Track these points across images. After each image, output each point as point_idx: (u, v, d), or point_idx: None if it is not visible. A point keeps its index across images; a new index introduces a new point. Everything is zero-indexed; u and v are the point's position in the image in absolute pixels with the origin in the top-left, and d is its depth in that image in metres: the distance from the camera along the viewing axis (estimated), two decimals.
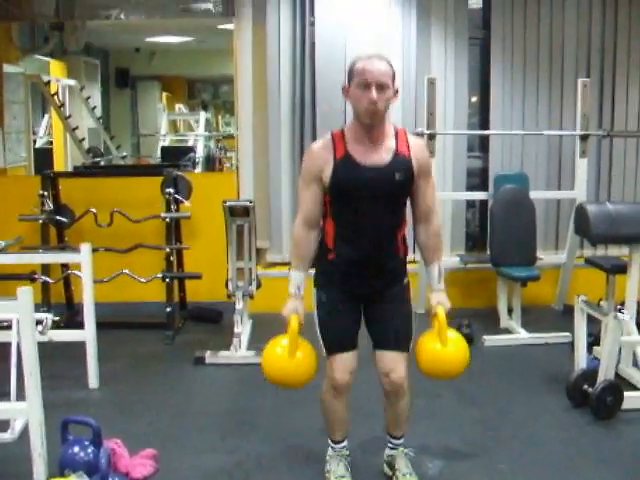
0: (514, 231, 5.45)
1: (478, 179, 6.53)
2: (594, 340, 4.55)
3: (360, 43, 5.96)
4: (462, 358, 3.01)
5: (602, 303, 4.75)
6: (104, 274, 5.28)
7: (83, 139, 8.42)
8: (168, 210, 5.53)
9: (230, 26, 6.25)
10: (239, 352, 4.91)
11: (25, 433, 3.29)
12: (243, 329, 5.12)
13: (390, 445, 3.25)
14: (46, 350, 3.49)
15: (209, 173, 9.56)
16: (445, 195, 6.06)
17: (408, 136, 2.95)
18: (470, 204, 6.64)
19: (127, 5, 6.06)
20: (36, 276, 5.39)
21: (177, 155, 9.47)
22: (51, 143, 8.50)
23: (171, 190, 5.54)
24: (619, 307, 4.05)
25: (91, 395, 4.33)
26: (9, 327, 3.49)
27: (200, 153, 10.67)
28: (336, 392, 3.02)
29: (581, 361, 4.22)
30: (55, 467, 3.19)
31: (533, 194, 5.68)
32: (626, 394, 3.91)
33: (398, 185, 2.90)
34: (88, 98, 8.89)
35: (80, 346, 4.36)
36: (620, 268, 4.73)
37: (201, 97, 13.49)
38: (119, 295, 5.70)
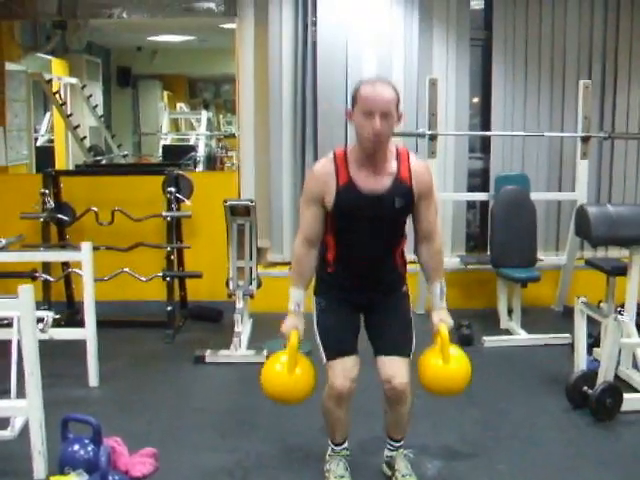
0: (514, 232, 5.46)
1: (479, 180, 6.53)
2: (594, 342, 4.56)
3: (362, 43, 5.98)
4: (464, 375, 3.02)
5: (602, 305, 4.75)
6: (105, 272, 5.28)
7: (84, 137, 8.42)
8: (169, 209, 5.54)
9: (232, 25, 6.25)
10: (239, 351, 4.92)
11: (25, 431, 3.31)
12: (243, 328, 5.13)
13: (390, 447, 3.25)
14: (46, 348, 3.50)
15: (210, 172, 9.55)
16: (446, 196, 6.06)
17: (410, 158, 2.94)
18: (471, 205, 6.64)
19: (129, 4, 6.06)
20: (37, 274, 5.39)
21: (178, 154, 9.47)
22: (52, 141, 8.50)
23: (172, 189, 5.55)
24: (619, 309, 4.05)
25: (91, 393, 4.33)
26: (10, 325, 3.49)
27: (201, 152, 10.67)
28: (337, 400, 2.99)
29: (581, 362, 4.22)
30: (55, 465, 3.20)
31: (534, 195, 5.69)
32: (625, 396, 3.91)
33: (398, 211, 2.93)
34: (90, 96, 8.89)
35: (80, 344, 4.36)
36: (620, 270, 4.74)
37: (203, 96, 13.47)
38: (120, 294, 5.70)
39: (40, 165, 7.09)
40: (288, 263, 6.12)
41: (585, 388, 3.98)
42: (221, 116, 13.33)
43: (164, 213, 5.51)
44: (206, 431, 3.80)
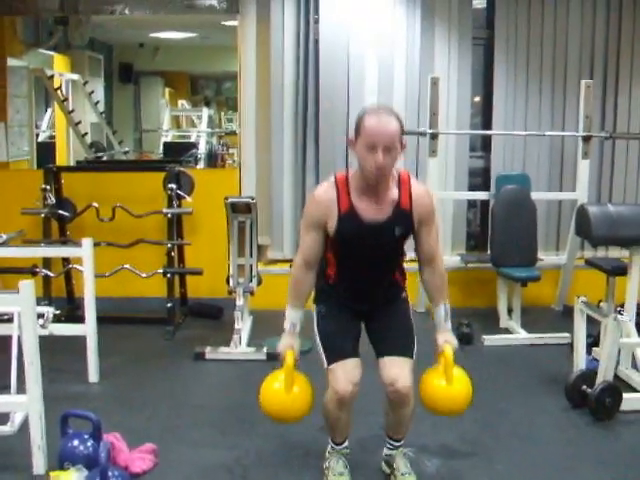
0: (515, 231, 5.46)
1: (480, 179, 6.53)
2: (593, 341, 4.56)
3: (364, 42, 5.98)
4: (466, 396, 3.03)
5: (602, 304, 4.75)
6: (105, 269, 5.29)
7: (86, 134, 8.42)
8: (170, 206, 5.54)
9: (234, 23, 6.25)
10: (239, 348, 4.93)
11: (25, 426, 3.31)
12: (243, 325, 5.13)
13: (389, 446, 3.25)
14: (47, 344, 3.51)
15: (211, 169, 9.55)
16: (447, 195, 6.07)
17: (412, 184, 2.93)
18: (471, 204, 6.65)
19: (131, 0, 6.06)
20: (37, 270, 5.40)
21: (179, 151, 9.48)
22: (53, 137, 8.50)
23: (173, 186, 5.55)
24: (619, 309, 4.06)
25: (91, 389, 4.34)
26: (10, 320, 3.49)
27: (202, 149, 10.66)
28: (339, 403, 2.97)
29: (580, 362, 4.23)
30: (55, 460, 3.21)
31: (534, 195, 5.69)
32: (625, 395, 3.92)
33: (398, 239, 2.96)
34: (91, 93, 8.89)
35: (80, 340, 4.37)
36: (620, 270, 4.74)
37: (204, 93, 13.46)
38: (120, 290, 5.71)
39: (41, 161, 7.10)
40: (288, 260, 6.13)
41: (584, 387, 3.98)
42: (222, 113, 13.32)
43: (165, 210, 5.52)
44: (206, 428, 3.80)
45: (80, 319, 4.50)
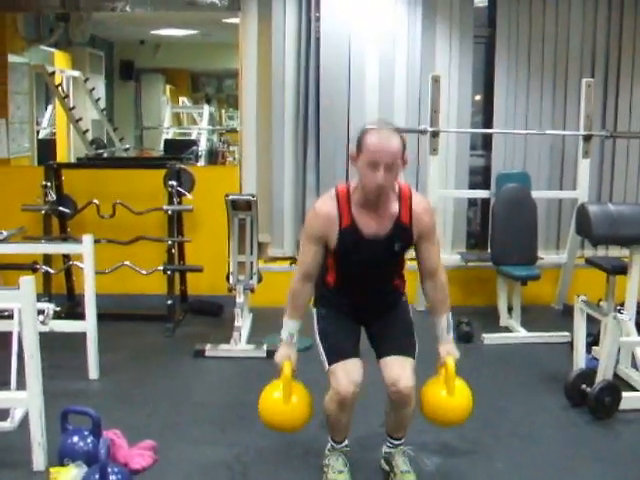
0: (515, 230, 5.46)
1: (480, 177, 6.53)
2: (593, 340, 4.56)
3: (365, 40, 5.98)
4: (466, 408, 3.05)
5: (602, 303, 4.76)
6: (105, 265, 5.29)
7: (86, 130, 8.43)
8: (170, 203, 5.54)
9: (235, 20, 6.25)
10: (239, 345, 4.93)
11: (25, 422, 3.32)
12: (243, 323, 5.13)
13: (389, 444, 3.25)
14: (47, 340, 3.52)
15: (212, 167, 9.57)
16: (447, 193, 6.08)
17: (412, 198, 2.94)
18: (472, 202, 6.64)
19: None
20: (38, 266, 5.40)
21: (180, 148, 9.50)
22: (54, 134, 8.51)
23: (174, 183, 5.55)
24: (619, 308, 4.06)
25: (91, 386, 4.34)
26: (10, 316, 3.49)
27: (203, 147, 10.68)
28: (341, 404, 2.97)
29: (580, 361, 4.23)
30: (54, 456, 3.21)
31: (535, 193, 5.69)
32: (624, 394, 3.92)
33: (397, 253, 2.98)
34: (92, 90, 8.90)
35: (81, 337, 4.37)
36: (620, 269, 4.75)
37: (205, 91, 13.48)
38: (120, 287, 5.71)
39: (42, 158, 7.10)
40: (289, 258, 6.16)
41: (584, 386, 3.98)
42: (223, 111, 13.34)
43: (165, 207, 5.52)
44: (205, 425, 3.81)
45: (80, 316, 4.50)
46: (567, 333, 5.04)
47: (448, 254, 6.15)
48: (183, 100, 12.76)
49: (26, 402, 3.25)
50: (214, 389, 4.45)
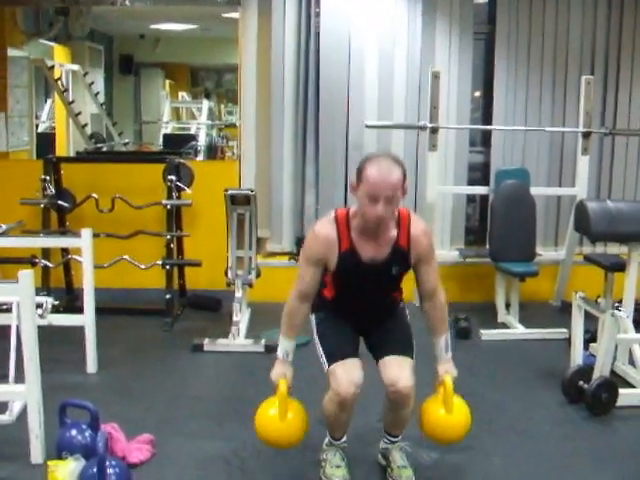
0: (514, 226, 5.46)
1: (479, 174, 6.54)
2: (591, 337, 4.57)
3: (365, 35, 5.98)
4: (465, 425, 3.08)
5: (600, 300, 4.76)
6: (104, 260, 5.29)
7: (86, 125, 8.42)
8: (169, 197, 5.54)
9: (235, 15, 6.24)
10: (237, 340, 4.94)
11: (23, 415, 3.32)
12: (242, 317, 5.13)
13: (386, 440, 3.26)
14: (45, 334, 3.52)
15: (211, 161, 9.54)
16: (446, 189, 6.08)
17: (411, 223, 2.95)
18: (471, 198, 6.65)
19: None
20: (36, 260, 5.40)
21: (179, 143, 9.48)
22: (53, 128, 8.49)
23: (173, 177, 5.55)
24: (617, 305, 4.06)
25: (89, 379, 4.35)
26: (9, 310, 3.49)
27: (202, 141, 10.65)
28: (341, 405, 2.97)
29: (577, 357, 4.24)
30: (53, 450, 3.22)
31: (534, 190, 5.69)
32: (621, 391, 3.93)
33: (395, 277, 3.01)
34: (91, 84, 8.88)
35: (79, 331, 4.38)
36: (619, 266, 4.76)
37: (204, 85, 13.43)
38: (119, 281, 5.71)
39: (41, 152, 7.09)
40: (287, 253, 6.16)
41: (581, 383, 3.99)
42: (222, 105, 13.29)
43: (164, 201, 5.52)
44: (203, 419, 3.81)
45: (79, 310, 4.50)
46: (565, 330, 5.05)
47: (447, 250, 6.17)
48: (182, 95, 12.71)
49: (24, 395, 3.26)
50: (212, 383, 4.46)
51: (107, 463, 2.91)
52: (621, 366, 4.36)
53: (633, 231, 4.21)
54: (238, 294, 5.17)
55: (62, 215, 5.77)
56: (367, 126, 5.71)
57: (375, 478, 3.22)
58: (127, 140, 9.75)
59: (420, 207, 5.92)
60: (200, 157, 9.79)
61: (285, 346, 3.05)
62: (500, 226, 5.51)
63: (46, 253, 5.52)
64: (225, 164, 8.39)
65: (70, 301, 5.62)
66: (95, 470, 2.88)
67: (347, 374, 2.93)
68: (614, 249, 6.02)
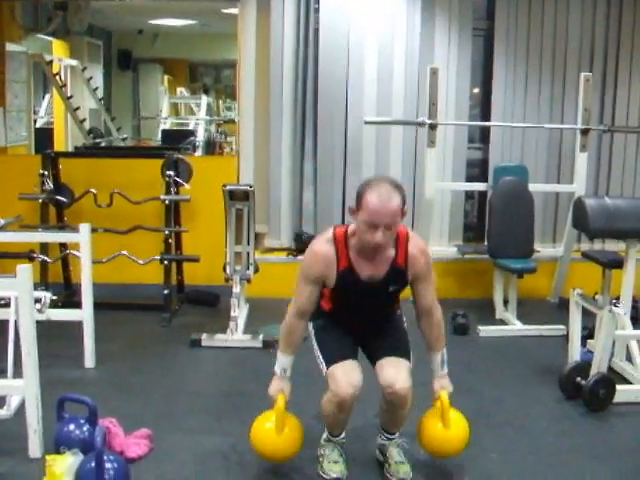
0: (512, 223, 5.47)
1: (478, 170, 6.54)
2: (588, 333, 4.58)
3: (364, 31, 5.97)
4: (462, 439, 3.14)
5: (597, 297, 4.77)
6: (102, 255, 5.29)
7: (84, 120, 8.42)
8: (168, 192, 5.54)
9: (234, 10, 6.24)
10: (235, 335, 4.94)
11: (21, 410, 3.33)
12: (240, 313, 5.13)
13: (383, 437, 3.27)
14: (43, 329, 3.52)
15: (210, 157, 9.55)
16: (444, 185, 6.08)
17: (409, 241, 2.96)
18: (469, 195, 6.66)
19: None
20: (35, 255, 5.39)
21: (178, 138, 9.48)
22: (52, 123, 8.49)
23: (171, 173, 5.54)
24: (614, 301, 4.07)
25: (87, 374, 4.35)
26: (7, 305, 3.49)
27: (201, 137, 10.66)
28: (339, 406, 2.99)
29: (575, 354, 4.25)
30: (51, 444, 3.22)
31: (532, 187, 5.69)
32: (618, 387, 3.94)
33: (392, 293, 3.04)
34: (90, 79, 8.89)
35: (77, 326, 4.37)
36: (616, 263, 4.76)
37: (203, 81, 13.46)
38: (117, 276, 5.71)
39: (39, 147, 7.10)
40: (285, 249, 6.16)
41: (579, 379, 4.00)
42: (221, 101, 13.32)
43: (163, 196, 5.51)
44: (201, 414, 3.82)
45: (77, 305, 4.51)
46: (562, 326, 5.06)
47: (445, 247, 6.18)
48: (181, 90, 12.74)
49: (23, 390, 3.26)
50: (210, 379, 4.47)
51: (105, 458, 2.91)
52: (618, 362, 4.37)
53: (631, 228, 4.22)
54: (236, 289, 5.17)
55: (60, 210, 5.77)
56: (366, 122, 5.71)
57: (373, 474, 3.22)
58: (125, 135, 9.76)
59: (418, 203, 5.93)
60: (198, 152, 9.81)
61: (283, 362, 3.07)
62: (498, 223, 5.51)
63: (44, 248, 5.52)
64: (224, 159, 8.41)
65: (68, 296, 5.62)
66: (93, 465, 2.88)
67: (346, 376, 2.95)
68: (612, 246, 6.04)
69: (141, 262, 5.50)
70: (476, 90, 6.65)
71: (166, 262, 5.50)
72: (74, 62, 8.67)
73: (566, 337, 4.58)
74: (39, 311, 3.78)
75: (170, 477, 3.17)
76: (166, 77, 12.39)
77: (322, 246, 2.95)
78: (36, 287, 3.65)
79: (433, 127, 5.53)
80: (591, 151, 5.98)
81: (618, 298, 4.29)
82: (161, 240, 5.52)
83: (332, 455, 3.17)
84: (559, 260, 5.96)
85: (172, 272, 5.67)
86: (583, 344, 4.43)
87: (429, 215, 5.62)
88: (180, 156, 5.87)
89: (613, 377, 4.02)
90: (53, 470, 2.94)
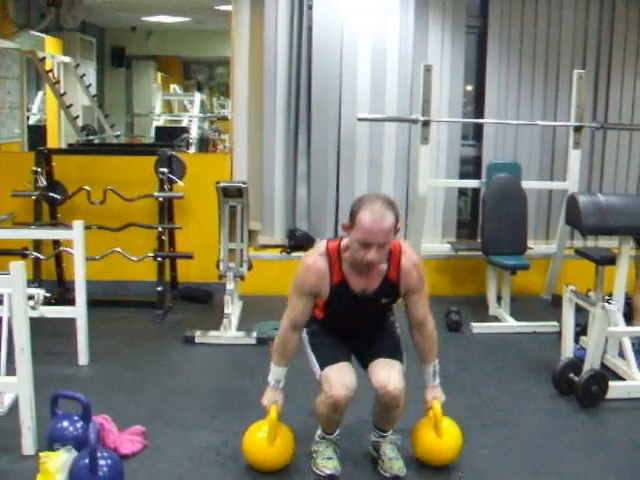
0: (505, 220, 5.47)
1: (471, 167, 6.54)
2: (581, 330, 4.59)
3: (357, 28, 5.97)
4: (455, 447, 3.21)
5: (590, 293, 4.78)
6: (96, 252, 5.28)
7: (77, 117, 8.41)
8: (161, 189, 5.53)
9: (228, 7, 6.23)
10: (229, 332, 4.94)
11: (15, 407, 3.32)
12: (233, 310, 5.13)
13: (376, 434, 3.28)
14: (37, 326, 3.50)
15: (203, 154, 9.54)
16: (438, 182, 6.08)
17: (402, 255, 2.96)
18: (462, 192, 6.66)
19: None
20: (28, 252, 5.38)
21: (171, 135, 9.47)
22: (45, 120, 8.47)
23: (165, 170, 5.53)
24: (607, 298, 4.08)
25: (81, 371, 4.34)
26: (0, 302, 3.49)
27: (194, 134, 10.66)
28: (333, 408, 3.00)
29: (568, 350, 4.26)
30: (44, 441, 3.22)
31: (525, 184, 5.70)
32: (611, 384, 3.95)
33: (384, 305, 3.07)
34: (83, 76, 8.87)
35: (71, 323, 4.37)
36: (609, 259, 4.77)
37: (196, 78, 13.46)
38: (110, 273, 5.71)
39: (32, 144, 7.09)
40: (279, 246, 6.16)
41: (571, 375, 4.01)
42: (214, 99, 13.32)
43: (156, 193, 5.50)
44: (195, 411, 3.82)
45: (70, 302, 4.50)
46: (555, 323, 5.07)
47: (438, 243, 6.19)
48: (174, 87, 12.73)
49: (16, 387, 3.26)
50: (204, 375, 4.47)
51: (99, 454, 2.92)
52: (611, 359, 4.39)
53: (623, 224, 4.22)
54: (230, 286, 5.17)
55: (54, 207, 5.75)
56: (359, 119, 5.71)
57: (366, 470, 3.23)
58: (119, 132, 9.75)
59: (412, 200, 5.93)
60: (192, 150, 9.79)
61: (277, 374, 3.09)
62: (491, 219, 5.51)
63: (37, 245, 5.50)
64: (217, 156, 8.40)
65: (61, 293, 5.61)
66: (87, 461, 2.88)
67: (340, 377, 2.97)
68: (605, 243, 6.05)
69: (134, 259, 5.50)
70: (469, 87, 6.65)
71: (160, 259, 5.50)
72: (67, 59, 8.65)
73: (559, 334, 4.59)
74: (32, 308, 3.78)
75: (164, 474, 3.17)
76: (159, 74, 12.38)
77: (315, 260, 2.96)
78: (29, 284, 3.65)
79: (426, 124, 5.53)
80: (584, 148, 5.98)
81: (611, 295, 4.30)
82: (154, 237, 5.52)
83: (326, 452, 3.18)
84: (552, 257, 5.97)
85: (166, 269, 5.66)
86: (576, 341, 4.45)
87: (422, 212, 5.62)
88: (174, 153, 5.86)
89: (606, 373, 4.04)
90: (47, 467, 2.94)
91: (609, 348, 4.37)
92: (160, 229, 5.51)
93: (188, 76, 13.45)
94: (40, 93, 8.62)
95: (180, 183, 5.65)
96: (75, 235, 4.35)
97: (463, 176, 6.40)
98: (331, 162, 6.11)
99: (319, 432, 3.24)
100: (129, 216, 5.58)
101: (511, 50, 6.16)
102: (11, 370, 3.30)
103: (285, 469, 3.17)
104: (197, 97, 11.73)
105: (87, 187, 5.55)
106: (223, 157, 6.60)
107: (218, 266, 5.27)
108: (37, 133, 7.87)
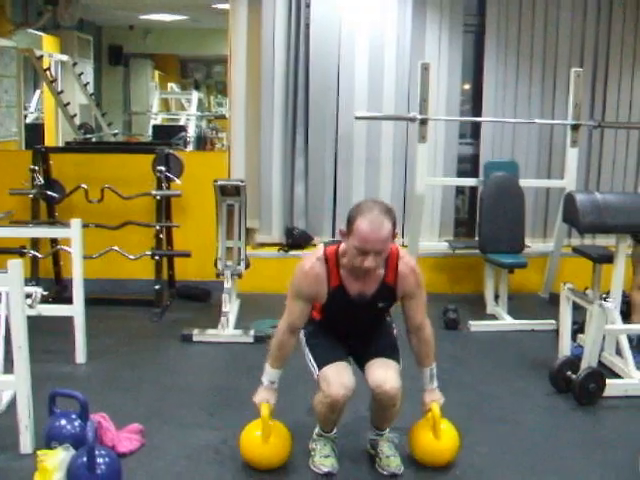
0: (503, 218, 5.47)
1: (469, 166, 6.55)
2: (579, 328, 4.59)
3: (355, 27, 5.97)
4: (453, 448, 3.22)
5: (588, 292, 4.78)
6: (93, 250, 5.28)
7: (75, 115, 8.39)
8: (159, 188, 5.53)
9: (225, 6, 6.22)
10: (226, 330, 4.93)
11: (12, 405, 3.32)
12: (231, 308, 5.13)
13: (374, 433, 3.28)
14: (35, 324, 3.51)
15: (201, 152, 9.53)
16: (435, 181, 6.09)
17: (399, 260, 2.98)
18: (460, 190, 6.66)
19: None
20: (25, 250, 5.38)
21: (168, 134, 9.46)
22: (42, 119, 8.46)
23: (162, 168, 5.53)
24: (604, 296, 4.09)
25: (78, 370, 4.34)
26: None
27: (191, 133, 10.65)
28: (331, 407, 3.01)
29: (565, 348, 4.27)
30: (42, 439, 3.21)
31: (523, 182, 5.70)
32: (608, 381, 3.96)
33: (380, 309, 3.08)
34: (80, 74, 8.85)
35: (68, 321, 4.37)
36: (606, 258, 4.78)
37: (194, 76, 13.44)
38: (108, 271, 5.70)
39: (29, 142, 7.08)
40: (277, 244, 6.16)
41: (569, 373, 4.02)
42: (212, 97, 13.31)
43: (154, 192, 5.50)
44: (193, 409, 3.82)
45: (68, 300, 4.50)
46: (553, 321, 5.07)
47: (436, 242, 6.19)
48: (172, 86, 12.71)
49: (14, 385, 3.26)
50: (201, 374, 4.46)
51: (96, 453, 2.92)
52: (608, 357, 4.39)
53: (621, 223, 4.23)
54: (227, 285, 5.17)
55: (51, 205, 5.75)
56: (356, 117, 5.71)
57: (364, 468, 3.23)
58: (116, 131, 9.73)
59: (409, 199, 5.93)
60: (189, 148, 9.78)
61: (271, 375, 3.11)
62: (489, 218, 5.52)
63: (35, 243, 5.50)
64: (215, 155, 8.39)
65: (59, 292, 5.61)
66: (84, 459, 2.88)
67: (338, 377, 2.97)
68: (602, 241, 6.06)
69: (132, 257, 5.49)
70: (467, 86, 6.65)
71: (157, 257, 5.50)
72: (64, 57, 8.63)
73: (556, 332, 4.60)
74: (30, 306, 3.79)
75: (162, 472, 3.17)
76: (157, 72, 12.36)
77: (313, 265, 2.97)
78: (27, 282, 3.65)
79: (424, 122, 5.53)
80: (581, 146, 5.98)
81: (608, 293, 4.31)
82: (152, 235, 5.51)
83: (324, 449, 3.19)
84: (550, 255, 5.98)
85: (163, 267, 5.66)
86: (573, 338, 4.46)
87: (420, 210, 5.62)
88: (171, 151, 5.86)
89: (603, 371, 4.05)
90: (44, 465, 2.94)
91: (606, 346, 4.38)
92: (158, 227, 5.51)
93: (185, 74, 13.43)
94: (37, 91, 8.61)
95: (178, 181, 5.65)
96: (73, 233, 4.35)
97: (461, 174, 6.41)
98: (329, 160, 6.11)
99: (317, 430, 3.25)
100: (127, 214, 5.58)
101: (508, 49, 6.16)
102: (9, 368, 3.30)
103: (283, 467, 3.17)
104: (194, 95, 11.72)
105: (85, 185, 5.55)
106: (221, 155, 6.60)
107: (216, 264, 5.27)
108: (34, 131, 7.86)
